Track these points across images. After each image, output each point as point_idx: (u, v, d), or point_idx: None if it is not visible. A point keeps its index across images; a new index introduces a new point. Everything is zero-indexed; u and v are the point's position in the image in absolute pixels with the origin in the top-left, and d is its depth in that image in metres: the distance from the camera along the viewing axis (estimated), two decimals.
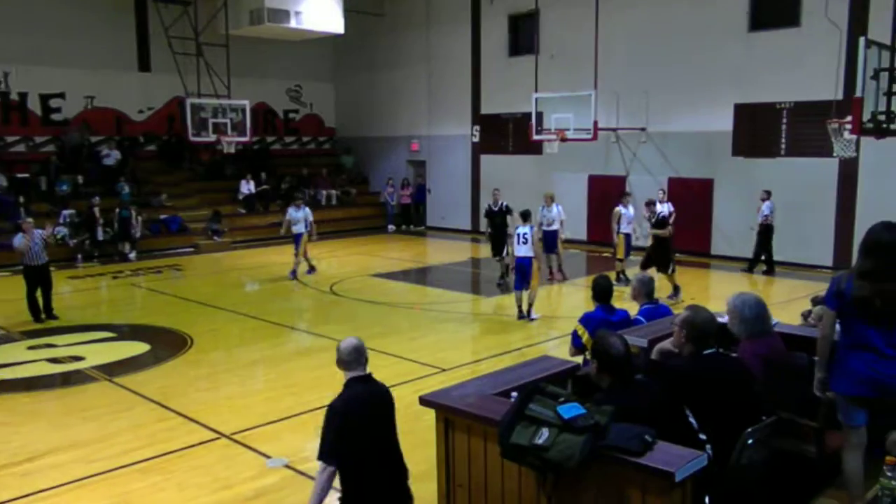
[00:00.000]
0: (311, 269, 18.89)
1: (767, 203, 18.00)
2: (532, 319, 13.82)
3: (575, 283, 17.82)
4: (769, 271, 18.22)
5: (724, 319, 5.68)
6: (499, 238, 17.23)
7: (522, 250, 13.71)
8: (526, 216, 14.09)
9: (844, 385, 4.96)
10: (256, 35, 24.21)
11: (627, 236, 17.30)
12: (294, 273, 18.28)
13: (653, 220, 16.13)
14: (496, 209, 17.54)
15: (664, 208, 17.89)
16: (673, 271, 15.69)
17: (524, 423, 4.24)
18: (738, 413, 4.67)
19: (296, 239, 18.36)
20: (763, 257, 18.37)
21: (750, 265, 18.52)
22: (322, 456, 4.80)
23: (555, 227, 17.33)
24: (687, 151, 20.95)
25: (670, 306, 10.03)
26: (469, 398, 4.99)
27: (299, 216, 18.36)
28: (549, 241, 17.10)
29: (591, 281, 7.75)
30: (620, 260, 17.22)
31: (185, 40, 23.46)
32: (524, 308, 13.95)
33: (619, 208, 17.39)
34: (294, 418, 8.95)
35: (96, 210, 21.24)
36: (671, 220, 18.47)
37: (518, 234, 13.79)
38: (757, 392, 5.01)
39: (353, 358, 4.94)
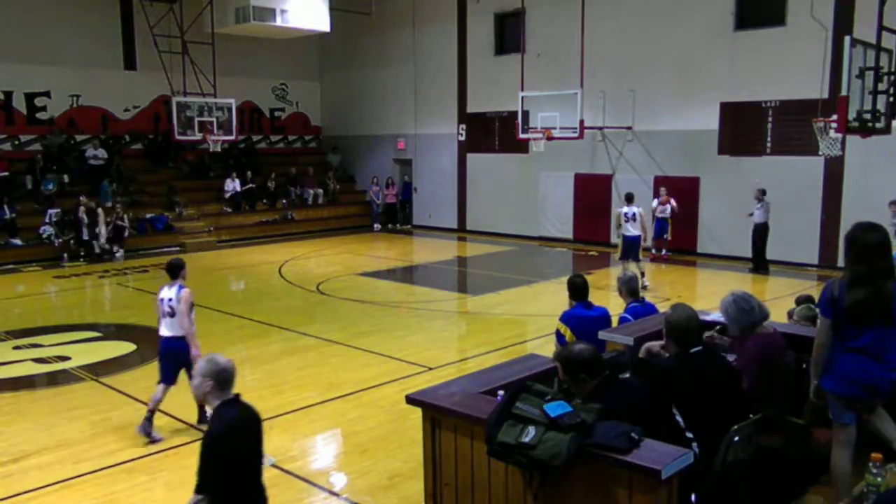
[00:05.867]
0: None
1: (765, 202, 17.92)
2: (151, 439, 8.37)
3: (561, 281, 17.83)
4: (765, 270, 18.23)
5: (709, 318, 5.70)
6: None
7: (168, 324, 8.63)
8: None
9: (835, 385, 4.99)
10: (242, 33, 24.11)
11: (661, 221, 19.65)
12: None
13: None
14: None
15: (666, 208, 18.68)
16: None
17: (511, 421, 4.26)
18: (724, 411, 4.69)
19: None
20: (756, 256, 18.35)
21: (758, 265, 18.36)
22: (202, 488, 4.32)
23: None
24: (673, 150, 21.00)
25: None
26: (455, 397, 5.00)
27: None
28: None
29: (567, 280, 7.75)
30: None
31: (170, 39, 23.38)
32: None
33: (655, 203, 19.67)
34: (281, 418, 8.93)
35: (81, 209, 21.11)
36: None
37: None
38: (744, 389, 5.04)
39: (231, 377, 4.48)
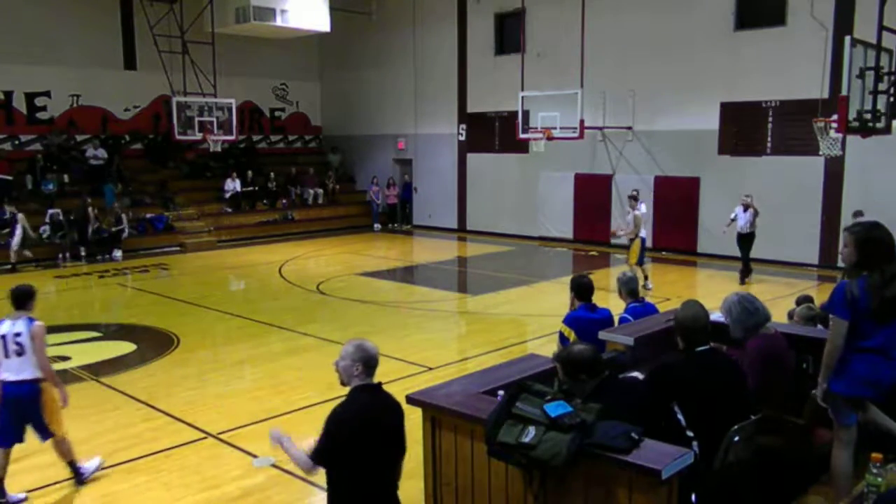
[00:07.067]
0: None
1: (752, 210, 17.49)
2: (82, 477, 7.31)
3: (561, 281, 17.84)
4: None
5: (710, 317, 5.69)
6: None
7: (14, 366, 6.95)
8: None
9: (846, 387, 4.93)
10: (242, 33, 24.14)
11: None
12: None
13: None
14: None
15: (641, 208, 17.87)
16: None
17: (511, 421, 4.25)
18: (727, 410, 4.68)
19: None
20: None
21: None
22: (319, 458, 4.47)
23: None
24: (673, 150, 20.99)
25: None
26: (456, 397, 5.00)
27: None
28: None
29: (571, 280, 7.66)
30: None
31: (170, 38, 23.37)
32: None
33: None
34: (280, 417, 8.92)
35: (90, 210, 21.10)
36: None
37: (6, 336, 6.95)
38: (747, 389, 5.03)
39: (376, 364, 4.61)
